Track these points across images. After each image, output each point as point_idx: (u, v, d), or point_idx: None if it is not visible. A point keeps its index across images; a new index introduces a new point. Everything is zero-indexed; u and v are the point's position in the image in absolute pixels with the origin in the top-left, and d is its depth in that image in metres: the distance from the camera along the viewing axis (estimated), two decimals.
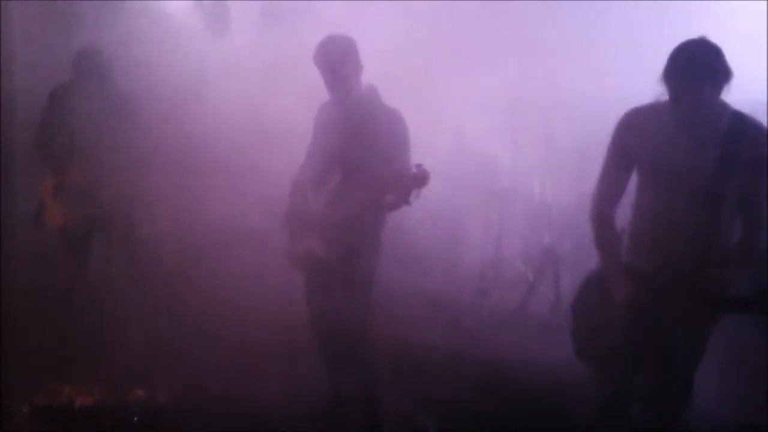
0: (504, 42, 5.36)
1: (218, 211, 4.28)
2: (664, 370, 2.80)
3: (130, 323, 4.18)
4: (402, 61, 4.43)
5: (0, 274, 4.14)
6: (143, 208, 4.29)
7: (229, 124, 4.37)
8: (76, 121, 4.09)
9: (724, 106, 2.68)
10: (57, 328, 4.19)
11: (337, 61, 3.33)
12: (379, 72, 3.48)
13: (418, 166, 3.11)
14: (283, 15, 4.74)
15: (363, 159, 3.29)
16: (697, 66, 2.57)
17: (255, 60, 4.41)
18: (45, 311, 4.27)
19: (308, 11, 4.65)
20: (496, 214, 5.60)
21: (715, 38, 2.63)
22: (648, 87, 2.66)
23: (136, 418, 3.69)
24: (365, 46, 3.42)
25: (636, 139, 2.78)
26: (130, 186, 4.17)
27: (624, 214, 2.91)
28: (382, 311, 3.61)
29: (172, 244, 4.47)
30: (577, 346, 3.02)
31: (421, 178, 3.07)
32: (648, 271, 2.76)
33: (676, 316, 2.69)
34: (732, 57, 2.57)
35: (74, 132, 4.09)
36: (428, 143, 3.41)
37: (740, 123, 2.66)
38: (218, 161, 4.39)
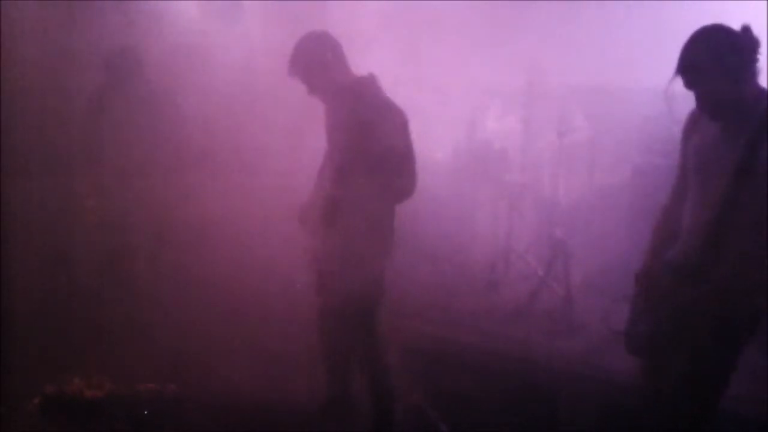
0: (516, 35, 5.33)
1: (228, 206, 4.29)
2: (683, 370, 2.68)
3: (138, 318, 4.21)
4: (413, 55, 4.42)
5: (4, 269, 4.18)
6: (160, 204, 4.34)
7: (238, 122, 4.38)
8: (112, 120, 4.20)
9: (759, 96, 2.53)
10: (66, 321, 4.22)
11: (304, 74, 3.32)
12: (389, 65, 3.47)
13: None
14: (290, 14, 4.73)
15: (354, 151, 3.27)
16: (697, 59, 2.53)
17: (264, 58, 4.40)
18: (54, 304, 4.30)
19: (316, 10, 4.64)
20: (506, 208, 5.57)
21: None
22: (660, 82, 2.63)
23: (146, 411, 3.72)
24: (374, 40, 3.41)
25: (685, 138, 2.81)
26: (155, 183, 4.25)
27: None
28: (391, 304, 3.61)
29: (182, 238, 4.49)
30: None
31: None
32: (677, 266, 2.68)
33: (697, 315, 2.59)
34: None
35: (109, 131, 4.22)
36: (438, 137, 3.40)
37: None
38: (226, 159, 4.40)
